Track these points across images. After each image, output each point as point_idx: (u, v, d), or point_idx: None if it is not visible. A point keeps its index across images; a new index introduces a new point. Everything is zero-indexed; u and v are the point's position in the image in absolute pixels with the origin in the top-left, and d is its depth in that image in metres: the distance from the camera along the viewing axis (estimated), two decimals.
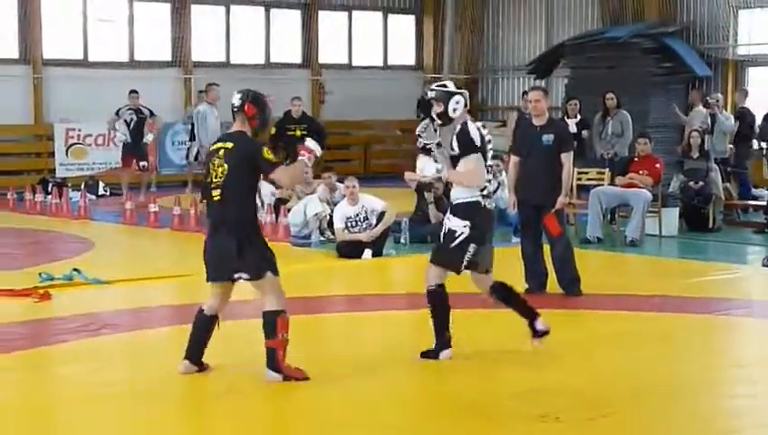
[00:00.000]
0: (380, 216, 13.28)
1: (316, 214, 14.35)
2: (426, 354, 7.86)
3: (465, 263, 7.78)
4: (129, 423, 6.56)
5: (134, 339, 9.00)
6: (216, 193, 7.28)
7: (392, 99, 24.41)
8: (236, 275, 7.40)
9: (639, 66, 20.36)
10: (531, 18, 25.02)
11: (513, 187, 10.61)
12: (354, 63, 25.98)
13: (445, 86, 8.04)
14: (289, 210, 14.86)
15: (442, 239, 7.87)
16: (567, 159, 10.40)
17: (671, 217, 15.24)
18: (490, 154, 7.87)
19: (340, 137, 24.49)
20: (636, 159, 15.14)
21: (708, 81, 20.93)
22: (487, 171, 7.81)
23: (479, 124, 7.96)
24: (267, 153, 7.31)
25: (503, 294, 8.03)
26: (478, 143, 7.74)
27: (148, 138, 19.70)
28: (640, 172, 14.76)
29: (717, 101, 17.96)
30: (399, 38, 26.70)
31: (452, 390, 7.22)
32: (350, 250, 13.01)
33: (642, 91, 19.62)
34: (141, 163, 19.46)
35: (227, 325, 7.74)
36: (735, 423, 6.59)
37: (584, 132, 16.96)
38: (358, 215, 13.24)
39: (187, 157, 20.96)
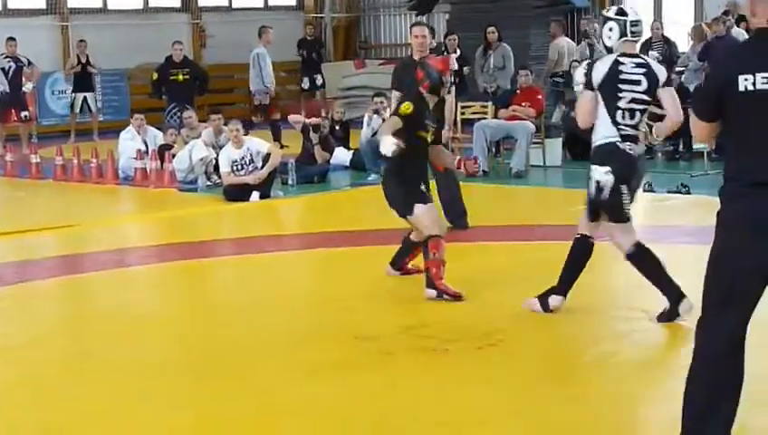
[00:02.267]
0: (266, 158, 13.22)
1: (201, 158, 14.22)
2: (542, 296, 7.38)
3: (626, 209, 7.04)
4: (16, 374, 6.49)
5: (20, 291, 8.86)
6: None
7: (275, 39, 24.16)
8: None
9: None
10: None
11: None
12: (234, 5, 25.67)
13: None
14: (174, 156, 14.72)
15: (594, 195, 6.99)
16: (449, 94, 10.44)
17: (555, 147, 15.45)
18: (625, 95, 6.90)
19: (224, 80, 24.21)
20: (518, 91, 15.29)
21: (587, 10, 21.17)
22: (624, 114, 6.92)
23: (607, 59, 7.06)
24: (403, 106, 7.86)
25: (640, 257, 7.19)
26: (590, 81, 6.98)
27: (27, 87, 19.27)
28: (523, 104, 14.92)
29: (595, 30, 18.19)
30: None
31: (345, 326, 7.27)
32: (236, 193, 12.95)
33: (523, 24, 19.75)
34: (23, 113, 19.04)
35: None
36: (614, 346, 6.76)
37: (465, 68, 17.08)
38: (243, 158, 13.15)
39: (72, 107, 20.69)
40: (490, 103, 15.70)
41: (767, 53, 4.22)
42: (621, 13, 7.19)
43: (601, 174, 6.88)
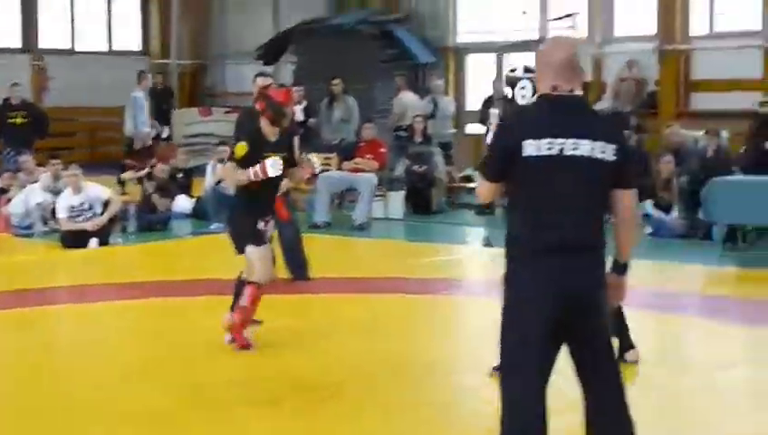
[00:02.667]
0: (106, 204, 13.00)
1: (38, 203, 13.90)
2: None
3: None
4: None
5: None
6: None
7: (118, 84, 23.83)
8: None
9: (365, 53, 20.69)
10: (258, 3, 24.94)
11: None
12: (77, 48, 25.27)
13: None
14: (9, 200, 14.35)
15: None
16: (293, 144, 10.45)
17: (397, 200, 15.63)
18: None
19: (65, 123, 23.74)
20: (362, 144, 15.43)
21: (431, 67, 21.51)
22: None
23: None
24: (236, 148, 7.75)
25: None
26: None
27: None
28: (366, 157, 15.06)
29: (438, 86, 18.52)
30: (124, 22, 26.14)
31: (178, 378, 7.16)
32: (74, 240, 12.69)
33: (368, 77, 19.96)
34: None
35: None
36: (454, 398, 6.84)
37: (311, 119, 17.17)
38: (82, 204, 12.91)
39: None
40: (334, 155, 15.79)
41: (550, 120, 4.32)
42: (530, 70, 7.33)
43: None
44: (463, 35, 21.66)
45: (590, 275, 4.31)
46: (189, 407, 6.51)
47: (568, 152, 4.26)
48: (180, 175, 15.87)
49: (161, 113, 22.33)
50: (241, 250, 7.85)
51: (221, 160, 14.87)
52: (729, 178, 12.59)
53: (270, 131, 7.83)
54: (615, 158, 4.28)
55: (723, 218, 11.98)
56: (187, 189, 15.83)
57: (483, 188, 4.54)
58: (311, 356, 7.68)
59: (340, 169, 15.25)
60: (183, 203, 15.44)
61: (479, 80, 20.31)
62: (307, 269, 10.54)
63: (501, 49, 20.66)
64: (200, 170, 16.91)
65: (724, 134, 15.08)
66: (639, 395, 6.98)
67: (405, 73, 19.86)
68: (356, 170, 14.96)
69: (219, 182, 14.04)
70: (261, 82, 10.54)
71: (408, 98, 18.27)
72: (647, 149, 15.16)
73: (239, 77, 25.40)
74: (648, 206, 14.16)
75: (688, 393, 6.89)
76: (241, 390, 6.81)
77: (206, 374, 7.22)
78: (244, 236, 7.77)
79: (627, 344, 7.16)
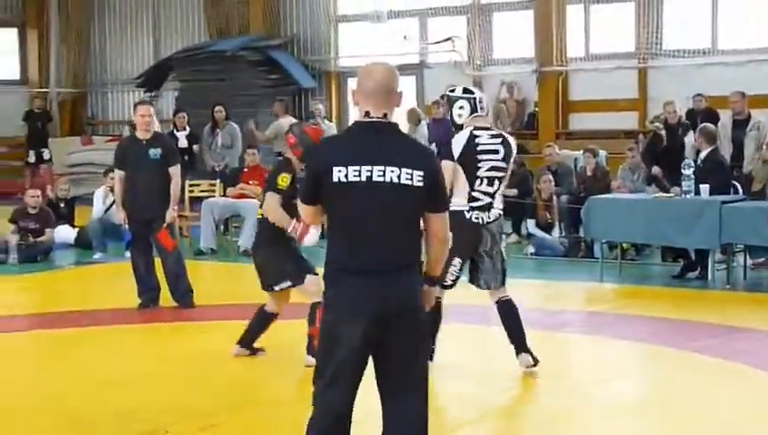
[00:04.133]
0: None
1: None
2: None
3: (450, 278, 7.48)
4: None
5: None
6: None
7: None
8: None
9: (247, 78, 20.71)
10: (138, 31, 24.72)
11: (121, 202, 10.50)
12: None
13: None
14: None
15: None
16: (175, 172, 10.41)
17: None
18: (484, 164, 7.38)
19: None
20: (245, 169, 15.38)
21: (313, 91, 21.58)
22: (482, 182, 7.38)
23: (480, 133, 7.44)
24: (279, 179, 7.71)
25: (504, 311, 7.63)
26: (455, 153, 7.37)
27: None
28: (250, 182, 15.01)
29: (319, 111, 18.58)
30: (2, 52, 25.65)
31: (54, 410, 7.02)
32: None
33: (251, 103, 19.95)
34: None
35: None
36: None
37: (194, 146, 17.09)
38: None
39: None
40: (218, 181, 15.72)
41: (359, 147, 4.39)
42: (468, 91, 7.61)
43: None
44: (344, 60, 21.77)
45: (404, 294, 4.38)
46: None
47: (375, 178, 4.33)
48: (62, 204, 15.62)
49: (39, 136, 22.05)
50: (295, 283, 7.86)
51: (111, 189, 14.71)
52: (607, 196, 12.86)
53: (297, 167, 7.82)
54: (422, 183, 4.35)
55: (602, 236, 12.22)
56: (69, 219, 15.58)
57: (304, 211, 4.62)
58: (195, 384, 7.62)
59: (224, 195, 15.17)
60: (65, 233, 15.20)
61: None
62: (191, 296, 10.47)
63: None
64: (82, 200, 16.67)
65: (602, 153, 15.42)
66: (521, 412, 7.14)
67: (284, 99, 19.89)
68: (240, 196, 14.90)
69: (108, 210, 13.89)
70: (142, 110, 10.50)
71: (286, 122, 18.22)
72: (527, 170, 15.47)
73: (120, 105, 25.19)
74: (530, 225, 14.40)
75: (568, 409, 7.00)
76: (124, 420, 6.71)
77: (90, 407, 7.10)
78: (300, 268, 7.84)
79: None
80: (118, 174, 10.59)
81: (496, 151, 7.40)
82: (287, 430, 6.76)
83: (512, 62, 19.87)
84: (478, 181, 7.36)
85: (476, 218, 7.40)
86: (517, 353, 7.54)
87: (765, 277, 11.84)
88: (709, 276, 11.42)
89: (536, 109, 19.63)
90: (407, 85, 21.17)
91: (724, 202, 10.97)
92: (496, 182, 7.43)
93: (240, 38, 21.80)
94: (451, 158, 7.33)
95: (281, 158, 8.09)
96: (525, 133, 19.42)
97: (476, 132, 7.41)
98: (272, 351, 8.30)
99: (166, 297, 10.47)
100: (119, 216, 10.76)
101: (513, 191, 14.16)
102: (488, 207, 7.44)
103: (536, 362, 7.51)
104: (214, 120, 17.19)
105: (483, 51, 20.14)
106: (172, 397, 7.28)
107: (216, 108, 17.19)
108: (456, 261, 7.41)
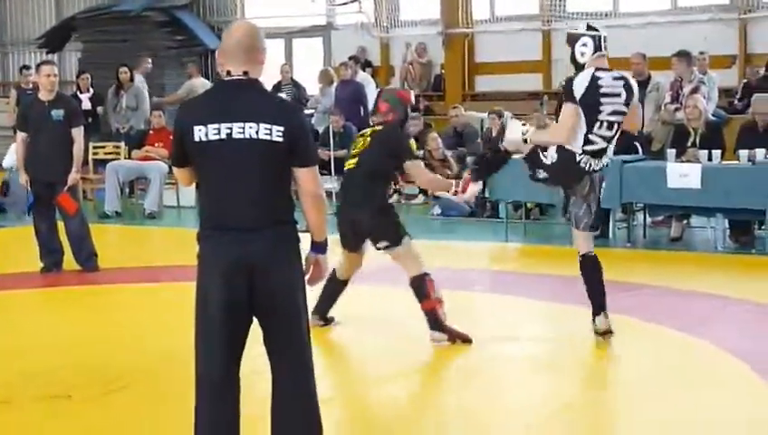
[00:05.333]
0: None
1: None
2: None
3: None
4: None
5: None
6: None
7: None
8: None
9: (152, 39, 20.45)
10: None
11: (22, 165, 10.35)
12: None
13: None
14: None
15: None
16: (78, 134, 10.27)
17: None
18: (606, 108, 7.08)
19: None
20: (151, 131, 15.26)
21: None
22: (602, 125, 7.09)
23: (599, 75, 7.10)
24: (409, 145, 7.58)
25: (587, 269, 7.46)
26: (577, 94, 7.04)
27: None
28: (156, 145, 14.90)
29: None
30: None
31: None
32: None
33: (157, 64, 19.71)
34: None
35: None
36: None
37: (99, 108, 16.88)
38: None
39: None
40: (123, 144, 15.57)
41: (219, 105, 4.40)
42: (592, 28, 7.27)
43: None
44: (250, 21, 21.58)
45: (270, 251, 4.40)
46: None
47: (236, 135, 4.34)
48: None
49: None
50: (395, 243, 7.47)
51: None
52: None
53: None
54: (282, 138, 4.37)
55: (507, 196, 12.37)
56: None
57: (177, 173, 4.64)
58: (102, 348, 7.57)
59: (129, 157, 15.03)
60: None
61: (268, 65, 20.28)
62: (95, 260, 10.38)
63: (289, 34, 20.74)
64: None
65: (508, 114, 15.53)
66: (429, 370, 7.23)
67: (195, 60, 19.74)
68: (146, 158, 14.79)
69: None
70: (47, 70, 10.34)
71: (199, 83, 18.11)
72: (434, 130, 15.55)
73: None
74: None
75: (475, 366, 7.11)
76: (33, 383, 6.65)
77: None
78: (399, 229, 7.51)
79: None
80: (20, 135, 10.44)
81: (618, 95, 7.13)
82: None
83: (418, 24, 19.91)
84: (598, 125, 7.07)
85: (585, 164, 7.13)
86: (594, 315, 7.40)
87: (664, 235, 12.09)
88: (610, 235, 11.64)
89: (443, 71, 19.72)
90: (314, 46, 21.12)
91: (624, 162, 11.16)
92: (615, 126, 7.17)
93: None
94: (572, 100, 7.04)
95: (384, 127, 7.62)
96: (432, 95, 19.53)
97: (598, 74, 7.08)
98: (177, 311, 8.27)
99: (70, 261, 10.37)
100: (21, 178, 10.60)
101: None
102: (601, 153, 7.18)
103: (610, 330, 7.35)
104: (118, 81, 16.98)
105: (389, 12, 20.16)
106: (77, 360, 7.23)
107: (122, 69, 17.01)
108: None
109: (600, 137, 7.12)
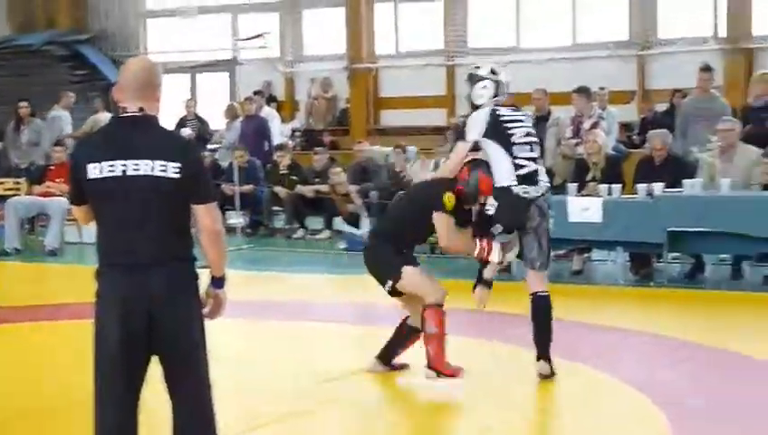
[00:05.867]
0: None
1: None
2: None
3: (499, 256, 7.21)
4: None
5: None
6: None
7: None
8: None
9: (54, 74, 20.25)
10: None
11: None
12: None
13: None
14: None
15: None
16: None
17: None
18: (516, 131, 7.09)
19: None
20: (52, 167, 15.05)
21: None
22: (522, 148, 7.07)
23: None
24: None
25: (537, 308, 7.30)
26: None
27: None
28: (57, 180, 14.69)
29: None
30: None
31: None
32: None
33: (57, 99, 19.46)
34: None
35: None
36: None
37: None
38: None
39: None
40: (23, 179, 15.34)
41: (114, 142, 4.38)
42: (494, 72, 7.29)
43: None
44: (153, 56, 21.48)
45: (166, 287, 4.37)
46: None
47: (131, 172, 4.33)
48: None
49: None
50: (393, 277, 7.25)
51: None
52: None
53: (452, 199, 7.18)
54: (179, 175, 4.35)
55: None
56: None
57: (76, 212, 4.60)
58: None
59: (29, 193, 14.81)
60: None
61: (172, 100, 20.17)
62: None
63: (193, 69, 20.66)
64: None
65: (412, 149, 15.67)
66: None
67: (98, 94, 19.56)
68: (46, 194, 14.57)
69: None
70: None
71: (103, 117, 17.90)
72: (339, 165, 15.60)
73: None
74: (337, 221, 14.56)
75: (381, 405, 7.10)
76: None
77: None
78: (397, 259, 7.28)
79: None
80: None
81: (522, 121, 7.21)
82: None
83: (323, 59, 19.99)
84: (517, 148, 7.06)
85: (523, 192, 7.06)
86: (537, 358, 7.25)
87: (565, 268, 12.21)
88: (513, 268, 11.72)
89: (348, 105, 19.80)
90: (220, 81, 21.07)
91: None
92: (535, 147, 7.20)
93: (46, 32, 21.27)
94: (464, 139, 7.12)
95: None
96: (337, 130, 19.58)
97: (496, 108, 7.17)
98: (75, 349, 8.13)
99: None
100: None
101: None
102: (534, 177, 7.12)
103: (553, 373, 7.22)
104: (18, 116, 16.74)
105: (294, 47, 20.21)
106: None
107: (21, 103, 16.77)
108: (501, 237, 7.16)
109: (524, 159, 7.10)
